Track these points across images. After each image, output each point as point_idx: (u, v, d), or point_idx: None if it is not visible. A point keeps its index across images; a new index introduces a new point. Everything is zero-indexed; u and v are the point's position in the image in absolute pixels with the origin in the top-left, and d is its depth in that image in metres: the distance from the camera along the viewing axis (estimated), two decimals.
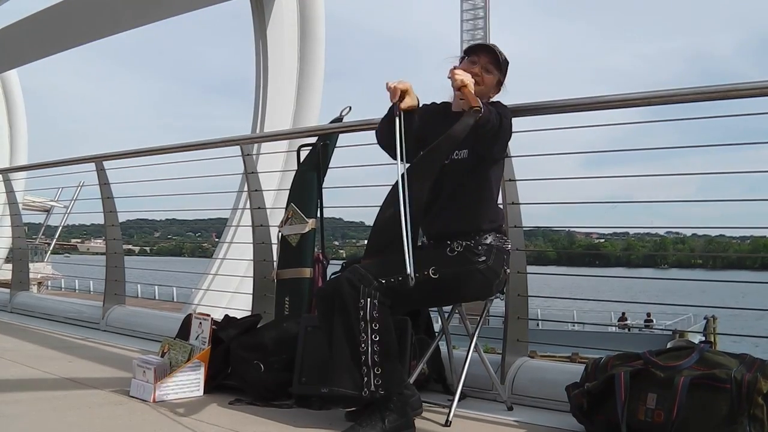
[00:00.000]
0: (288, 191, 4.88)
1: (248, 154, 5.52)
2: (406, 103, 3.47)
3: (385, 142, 3.65)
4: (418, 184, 3.22)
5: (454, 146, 3.39)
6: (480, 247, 3.41)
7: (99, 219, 7.08)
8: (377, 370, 3.13)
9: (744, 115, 3.57)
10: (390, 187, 3.27)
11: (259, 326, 4.25)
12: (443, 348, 4.04)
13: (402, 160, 3.23)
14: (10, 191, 8.65)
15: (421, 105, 3.60)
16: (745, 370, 2.85)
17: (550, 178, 4.35)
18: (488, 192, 3.52)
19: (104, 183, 6.81)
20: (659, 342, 21.60)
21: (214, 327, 4.08)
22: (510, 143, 3.72)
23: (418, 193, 3.23)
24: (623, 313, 33.56)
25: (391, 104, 3.47)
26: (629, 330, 31.42)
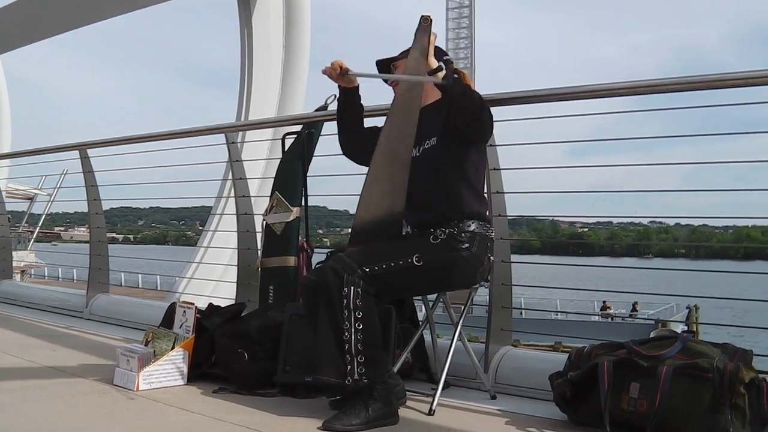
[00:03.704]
0: (273, 179, 4.87)
1: (233, 142, 5.51)
2: (347, 81, 3.74)
3: (356, 156, 3.88)
4: (395, 167, 3.30)
5: (414, 90, 3.41)
6: (463, 234, 3.41)
7: (83, 207, 7.06)
8: (361, 359, 3.13)
9: (728, 105, 3.58)
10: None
11: (243, 315, 4.25)
12: (427, 337, 4.05)
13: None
14: None
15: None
16: (727, 360, 2.87)
17: (534, 167, 4.36)
18: (467, 178, 3.51)
19: (88, 171, 6.78)
20: (642, 331, 21.66)
21: (198, 315, 4.07)
22: (495, 132, 3.72)
23: (397, 177, 3.28)
24: (604, 302, 33.64)
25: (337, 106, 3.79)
26: (612, 319, 31.51)
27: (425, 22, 3.23)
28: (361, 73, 3.66)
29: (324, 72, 3.73)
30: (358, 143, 3.82)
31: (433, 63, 3.31)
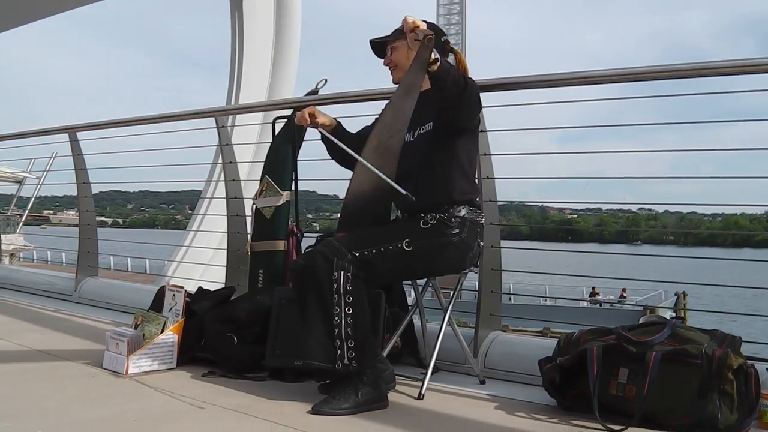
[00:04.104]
0: (263, 163, 4.86)
1: (223, 126, 5.50)
2: (321, 120, 3.73)
3: (338, 160, 3.88)
4: (386, 156, 3.29)
5: (410, 96, 3.40)
6: (453, 220, 3.42)
7: (72, 190, 7.05)
8: (350, 343, 3.14)
9: (718, 93, 3.59)
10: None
11: (232, 299, 4.25)
12: (417, 322, 4.05)
13: (356, 156, 3.39)
14: None
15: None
16: (716, 346, 2.88)
17: (525, 153, 4.36)
18: (459, 164, 3.50)
19: (77, 154, 6.77)
20: (630, 317, 21.79)
21: (187, 299, 4.06)
22: (486, 118, 3.72)
23: (387, 166, 3.28)
24: (593, 288, 33.75)
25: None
26: (600, 305, 31.63)
27: (428, 42, 3.22)
28: (330, 136, 3.66)
29: (297, 122, 3.78)
30: (349, 157, 3.79)
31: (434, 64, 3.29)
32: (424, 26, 3.26)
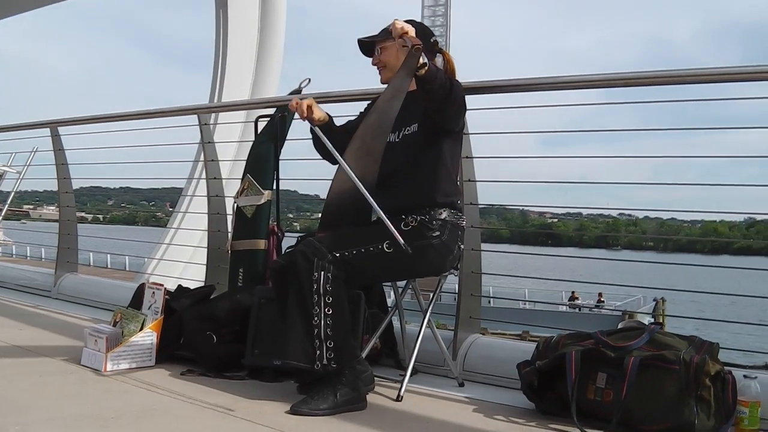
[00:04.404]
0: (244, 162, 4.86)
1: (205, 124, 5.49)
2: (317, 115, 3.63)
3: (322, 155, 3.82)
4: (367, 159, 3.30)
5: (396, 99, 3.40)
6: (434, 222, 3.42)
7: (52, 185, 7.02)
8: (330, 344, 3.14)
9: (701, 100, 3.61)
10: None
11: (212, 297, 4.24)
12: (396, 323, 4.06)
13: (342, 163, 3.35)
14: None
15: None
16: (693, 352, 2.90)
17: (506, 156, 4.38)
18: (443, 166, 3.50)
19: (58, 149, 6.75)
20: (609, 322, 21.80)
21: (167, 297, 4.06)
22: (468, 121, 3.73)
23: (368, 167, 3.29)
24: (573, 293, 33.82)
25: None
26: (579, 309, 31.69)
27: (417, 51, 3.23)
28: (323, 138, 3.61)
29: (290, 108, 3.73)
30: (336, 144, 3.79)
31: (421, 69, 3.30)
32: (412, 32, 3.27)
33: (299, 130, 4.76)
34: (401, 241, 3.16)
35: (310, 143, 3.80)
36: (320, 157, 3.83)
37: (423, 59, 3.21)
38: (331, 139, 3.55)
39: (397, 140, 3.55)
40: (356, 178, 3.25)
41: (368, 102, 3.91)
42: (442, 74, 3.32)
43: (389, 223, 3.18)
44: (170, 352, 3.97)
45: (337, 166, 3.41)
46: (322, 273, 3.16)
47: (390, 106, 3.40)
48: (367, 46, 3.72)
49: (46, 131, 6.82)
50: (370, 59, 3.72)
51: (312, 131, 3.66)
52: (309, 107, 3.57)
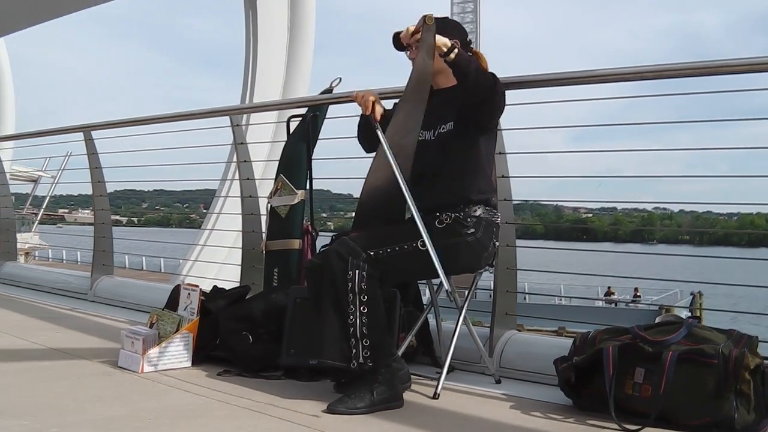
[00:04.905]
0: (277, 162, 4.86)
1: (237, 125, 5.50)
2: (379, 111, 3.64)
3: (368, 147, 3.83)
4: (399, 159, 3.32)
5: (422, 87, 3.40)
6: (469, 219, 3.41)
7: (86, 189, 7.06)
8: (366, 342, 3.14)
9: (734, 91, 3.56)
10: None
11: (247, 297, 4.25)
12: (432, 321, 4.05)
13: (396, 166, 3.35)
14: None
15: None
16: (732, 346, 2.86)
17: (540, 152, 4.35)
18: (477, 163, 3.50)
19: (92, 153, 6.78)
20: (645, 317, 21.68)
21: (202, 298, 4.07)
22: (501, 116, 3.70)
23: (401, 166, 3.29)
24: (609, 288, 33.64)
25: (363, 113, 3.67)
26: (615, 305, 31.53)
27: (429, 22, 3.23)
28: (382, 138, 3.57)
29: (357, 99, 3.70)
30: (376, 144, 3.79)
31: (443, 47, 3.30)
32: (412, 28, 3.33)
33: (331, 129, 4.76)
34: (426, 239, 3.16)
35: (342, 143, 3.80)
36: (352, 156, 3.83)
37: (449, 42, 3.22)
38: (367, 133, 3.57)
39: (432, 138, 3.54)
40: (400, 174, 3.25)
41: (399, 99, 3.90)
42: (475, 60, 3.32)
43: (420, 220, 3.18)
44: (206, 353, 3.99)
45: (370, 163, 3.41)
46: (357, 272, 3.16)
47: (417, 97, 3.39)
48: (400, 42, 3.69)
49: (79, 136, 6.85)
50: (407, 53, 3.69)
51: (363, 126, 3.67)
52: (374, 103, 3.56)
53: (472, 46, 3.72)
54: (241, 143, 5.50)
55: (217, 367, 3.83)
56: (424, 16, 3.24)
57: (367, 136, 3.79)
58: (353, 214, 3.59)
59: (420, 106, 3.40)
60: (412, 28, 3.36)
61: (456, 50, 3.28)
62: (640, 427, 2.81)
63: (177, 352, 3.87)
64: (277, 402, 3.22)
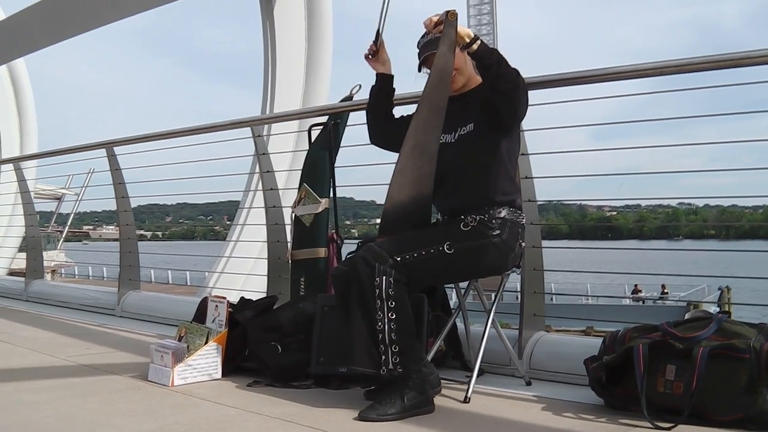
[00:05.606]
0: (300, 171, 4.87)
1: (259, 136, 5.52)
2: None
3: (381, 142, 3.92)
4: (423, 158, 3.33)
5: (443, 83, 3.40)
6: (494, 221, 3.40)
7: (110, 205, 7.11)
8: (395, 348, 3.14)
9: (757, 83, 3.53)
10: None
11: (275, 307, 4.26)
12: (460, 324, 4.04)
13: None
14: (21, 180, 8.67)
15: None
16: (763, 340, 2.85)
17: (563, 152, 4.34)
18: (501, 165, 3.48)
19: (115, 169, 6.82)
20: (673, 314, 21.55)
21: (230, 309, 4.08)
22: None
23: (425, 168, 3.30)
24: (636, 285, 33.51)
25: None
26: (643, 302, 31.38)
27: (452, 18, 3.23)
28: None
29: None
30: (387, 132, 3.82)
31: (466, 38, 3.29)
32: (435, 18, 3.35)
33: (353, 136, 4.76)
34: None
35: (364, 150, 3.82)
36: (375, 162, 3.83)
37: (471, 33, 3.23)
38: (387, 125, 3.58)
39: (452, 141, 3.53)
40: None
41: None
42: (498, 52, 3.31)
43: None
44: (236, 364, 4.00)
45: (393, 170, 3.41)
46: (384, 278, 3.15)
47: (439, 93, 3.39)
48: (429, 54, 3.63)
49: (102, 152, 6.89)
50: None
51: (372, 124, 3.72)
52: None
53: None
54: (264, 153, 5.52)
55: (247, 378, 3.84)
56: (447, 11, 3.25)
57: (377, 132, 3.82)
58: (377, 220, 3.60)
59: (442, 103, 3.40)
60: (435, 18, 3.36)
61: (479, 41, 3.28)
62: (673, 424, 2.79)
63: (207, 365, 3.88)
64: (308, 411, 3.22)
